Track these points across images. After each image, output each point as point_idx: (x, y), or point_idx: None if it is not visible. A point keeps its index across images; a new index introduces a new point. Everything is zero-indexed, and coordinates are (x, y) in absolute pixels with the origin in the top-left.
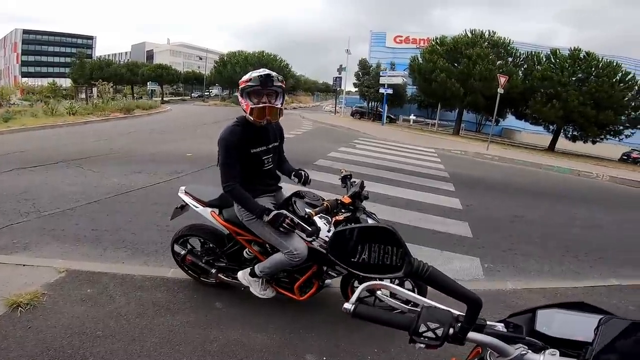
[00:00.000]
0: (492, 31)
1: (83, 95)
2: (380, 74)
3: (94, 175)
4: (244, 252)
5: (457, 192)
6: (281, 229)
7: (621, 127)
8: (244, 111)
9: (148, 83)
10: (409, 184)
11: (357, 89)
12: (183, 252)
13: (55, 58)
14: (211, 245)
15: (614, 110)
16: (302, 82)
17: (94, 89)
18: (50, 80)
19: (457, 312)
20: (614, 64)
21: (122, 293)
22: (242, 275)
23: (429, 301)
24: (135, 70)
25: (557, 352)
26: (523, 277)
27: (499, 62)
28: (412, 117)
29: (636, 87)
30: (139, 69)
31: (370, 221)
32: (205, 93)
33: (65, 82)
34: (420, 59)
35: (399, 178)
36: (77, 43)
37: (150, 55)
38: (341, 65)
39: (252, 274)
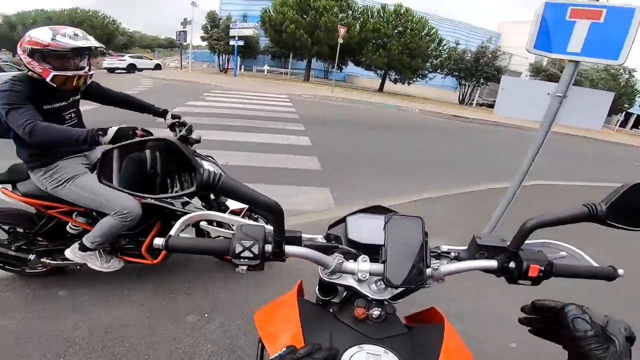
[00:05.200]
0: None
1: None
2: (231, 26)
3: None
4: (67, 226)
5: (306, 130)
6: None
7: (426, 72)
8: (38, 75)
9: None
10: (262, 128)
11: (206, 43)
12: None
13: None
14: (18, 229)
15: (422, 58)
16: (138, 39)
17: None
18: None
19: (271, 227)
20: (423, 19)
21: None
22: (72, 253)
23: (244, 220)
24: None
25: (367, 258)
26: (364, 199)
27: (341, 14)
28: (266, 67)
29: (437, 40)
30: None
31: (205, 164)
32: None
33: None
34: (271, 10)
35: (253, 124)
36: None
37: None
38: (185, 19)
39: (83, 248)
